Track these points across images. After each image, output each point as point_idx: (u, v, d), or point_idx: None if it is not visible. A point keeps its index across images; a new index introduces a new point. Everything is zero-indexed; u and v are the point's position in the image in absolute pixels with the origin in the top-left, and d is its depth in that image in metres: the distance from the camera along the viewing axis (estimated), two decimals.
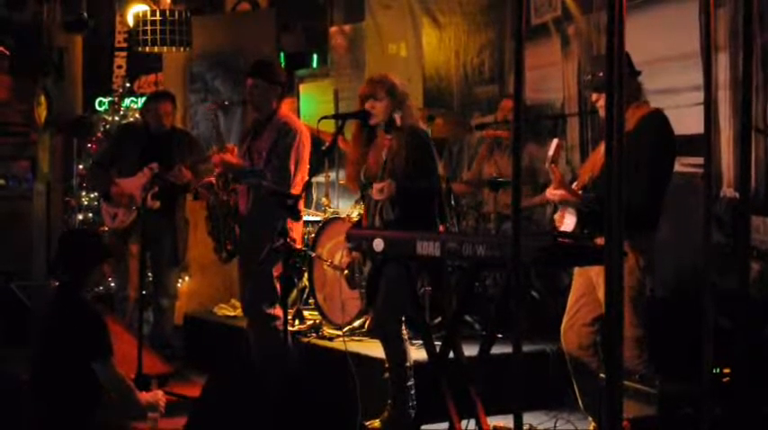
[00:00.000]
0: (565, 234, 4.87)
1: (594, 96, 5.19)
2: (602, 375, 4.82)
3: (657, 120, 5.06)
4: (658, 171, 5.01)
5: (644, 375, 4.85)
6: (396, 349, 5.53)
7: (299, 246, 6.31)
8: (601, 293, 4.73)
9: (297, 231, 6.20)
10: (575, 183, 5.16)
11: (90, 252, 4.99)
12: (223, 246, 6.31)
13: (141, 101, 9.97)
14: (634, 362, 4.98)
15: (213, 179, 6.32)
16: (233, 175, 6.22)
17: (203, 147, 7.68)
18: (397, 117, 5.49)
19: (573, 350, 5.21)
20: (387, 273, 5.42)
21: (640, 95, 5.12)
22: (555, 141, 5.17)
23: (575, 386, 5.29)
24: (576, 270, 5.25)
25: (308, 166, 6.23)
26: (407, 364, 5.53)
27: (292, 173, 6.04)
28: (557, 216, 5.25)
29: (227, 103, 6.91)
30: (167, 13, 8.09)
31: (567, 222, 5.07)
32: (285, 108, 6.41)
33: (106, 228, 8.35)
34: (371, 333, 6.42)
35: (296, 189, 5.99)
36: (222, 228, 6.28)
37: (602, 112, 5.09)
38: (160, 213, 7.25)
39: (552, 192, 5.13)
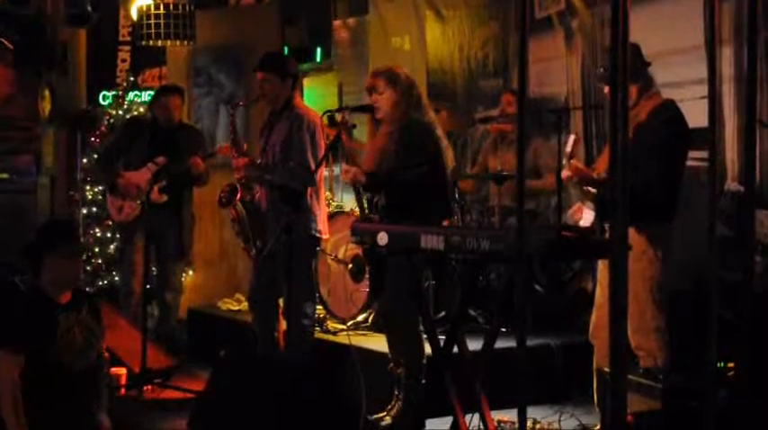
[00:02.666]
0: (580, 229, 4.87)
1: (607, 89, 5.18)
2: (605, 369, 4.83)
3: (670, 110, 5.05)
4: (671, 161, 5.00)
5: (660, 368, 4.86)
6: (412, 343, 5.50)
7: (326, 236, 6.30)
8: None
9: (323, 221, 6.18)
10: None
11: (36, 241, 4.83)
12: (253, 244, 6.27)
13: (145, 95, 9.97)
14: (655, 353, 4.98)
15: (236, 182, 6.29)
16: (252, 177, 6.21)
17: (207, 142, 7.68)
18: (339, 116, 5.52)
19: (602, 346, 5.14)
20: (393, 268, 5.41)
21: (651, 86, 5.11)
22: (572, 137, 5.20)
23: (594, 381, 5.27)
24: (600, 263, 5.23)
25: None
26: (423, 361, 5.50)
27: (312, 164, 6.00)
28: (574, 209, 5.24)
29: (241, 103, 6.90)
30: (171, 6, 8.08)
31: (586, 217, 5.07)
32: (299, 98, 6.39)
33: (110, 222, 8.37)
34: (378, 326, 6.43)
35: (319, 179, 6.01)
36: (249, 226, 6.25)
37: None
38: (166, 207, 7.25)
39: (569, 170, 5.11)
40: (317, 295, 7.07)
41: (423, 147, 5.45)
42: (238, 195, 6.25)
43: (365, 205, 5.64)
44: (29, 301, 4.77)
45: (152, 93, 8.35)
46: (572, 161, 5.14)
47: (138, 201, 7.24)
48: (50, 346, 4.60)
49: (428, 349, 5.12)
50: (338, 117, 6.04)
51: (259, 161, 6.22)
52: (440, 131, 5.58)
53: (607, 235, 4.78)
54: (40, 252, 4.72)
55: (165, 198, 7.17)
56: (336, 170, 8.11)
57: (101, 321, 4.94)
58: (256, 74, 6.22)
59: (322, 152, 6.06)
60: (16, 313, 4.72)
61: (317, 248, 6.36)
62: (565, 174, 5.21)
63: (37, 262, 4.73)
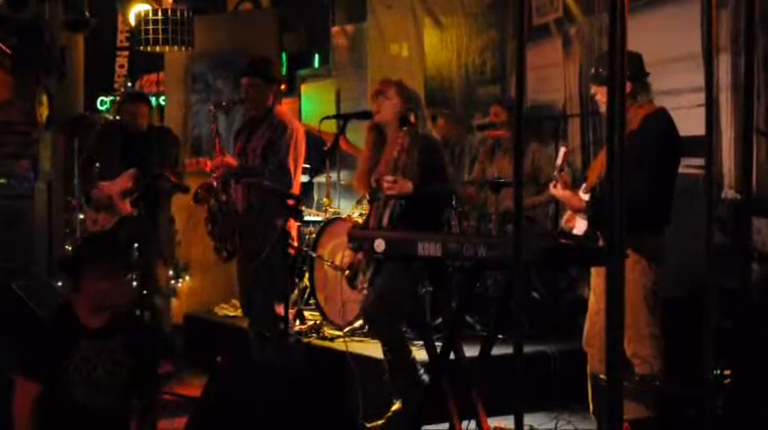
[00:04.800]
0: (575, 237, 4.87)
1: (593, 89, 5.17)
2: (602, 376, 4.83)
3: (661, 118, 5.05)
4: (663, 170, 4.99)
5: (655, 375, 4.85)
6: (399, 349, 5.49)
7: (295, 243, 6.31)
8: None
9: (293, 228, 6.21)
10: (583, 185, 5.15)
11: (75, 255, 4.57)
12: (223, 246, 6.31)
13: None
14: (650, 360, 4.98)
15: (213, 181, 6.31)
16: (233, 176, 6.22)
17: (180, 143, 7.68)
18: (412, 115, 5.45)
19: (597, 353, 5.13)
20: (385, 273, 5.40)
21: (646, 94, 5.11)
22: (562, 150, 5.19)
23: (590, 389, 5.26)
24: (594, 271, 5.23)
25: (304, 164, 6.26)
26: (416, 365, 5.49)
27: (291, 170, 6.04)
28: (566, 217, 5.24)
29: (224, 103, 6.87)
30: (169, 12, 8.08)
31: (579, 225, 5.06)
32: (281, 105, 6.42)
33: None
34: (371, 333, 6.43)
35: (295, 188, 6.01)
36: (223, 228, 6.28)
37: (601, 107, 5.10)
38: (143, 216, 7.20)
39: (557, 191, 5.13)
40: (315, 302, 7.09)
41: (440, 164, 5.50)
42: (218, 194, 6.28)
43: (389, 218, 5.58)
44: (51, 324, 4.32)
45: (150, 98, 8.35)
46: (563, 173, 5.14)
47: (114, 214, 7.20)
48: (61, 377, 4.09)
49: (425, 355, 5.11)
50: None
51: (239, 163, 6.27)
52: None
53: (600, 243, 4.79)
54: (77, 268, 4.20)
55: (135, 212, 7.12)
56: (334, 176, 8.11)
57: (142, 356, 4.30)
58: (242, 79, 6.27)
59: (302, 158, 6.11)
60: (34, 338, 4.27)
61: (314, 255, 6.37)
62: (557, 190, 5.22)
63: (75, 278, 4.19)
